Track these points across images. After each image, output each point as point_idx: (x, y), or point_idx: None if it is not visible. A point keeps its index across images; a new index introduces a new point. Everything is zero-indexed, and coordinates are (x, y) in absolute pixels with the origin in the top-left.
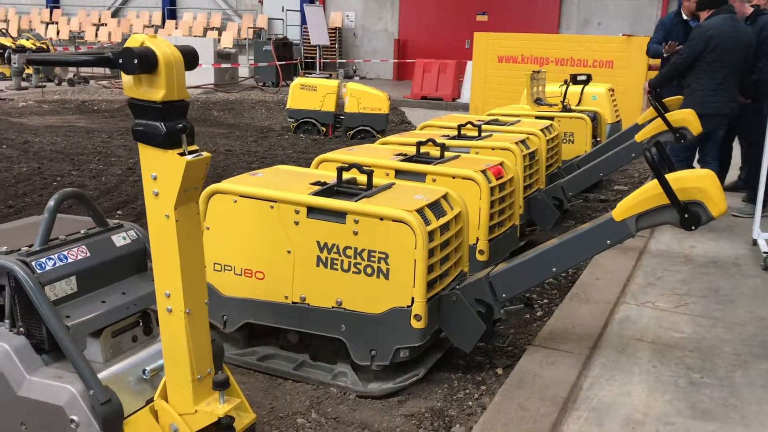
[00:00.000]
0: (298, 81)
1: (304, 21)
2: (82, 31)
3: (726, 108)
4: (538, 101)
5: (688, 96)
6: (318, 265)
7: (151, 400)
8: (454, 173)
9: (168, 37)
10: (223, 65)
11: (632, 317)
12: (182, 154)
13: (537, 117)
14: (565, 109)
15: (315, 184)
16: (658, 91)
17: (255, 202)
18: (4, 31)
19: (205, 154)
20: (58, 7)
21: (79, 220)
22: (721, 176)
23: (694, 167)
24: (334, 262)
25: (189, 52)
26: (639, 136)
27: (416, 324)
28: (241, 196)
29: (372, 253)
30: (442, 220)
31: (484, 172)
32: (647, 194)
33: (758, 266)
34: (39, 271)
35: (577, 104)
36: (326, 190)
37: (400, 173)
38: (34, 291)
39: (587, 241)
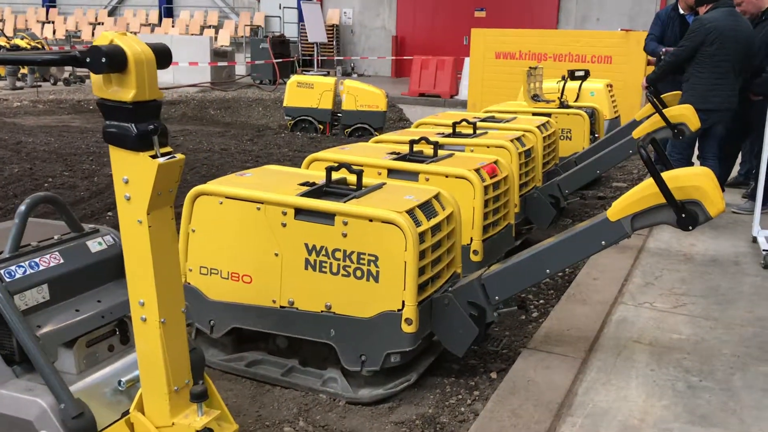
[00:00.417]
0: (294, 79)
1: (301, 18)
2: (79, 30)
3: (726, 103)
4: (535, 98)
5: (687, 91)
6: (306, 268)
7: (127, 413)
8: (447, 172)
9: (164, 35)
10: (220, 63)
11: (630, 318)
12: (154, 157)
13: (534, 114)
14: (563, 105)
15: (303, 184)
16: (656, 86)
17: (241, 204)
18: None
19: (178, 156)
20: (54, 6)
21: (52, 225)
22: (727, 173)
23: (693, 164)
24: (323, 264)
25: (161, 50)
26: (636, 133)
27: (407, 328)
28: (227, 197)
29: (361, 256)
30: (434, 221)
31: (477, 170)
32: (643, 193)
33: (758, 264)
34: (8, 280)
35: (575, 100)
36: (315, 191)
37: (392, 172)
38: (2, 300)
39: (581, 242)
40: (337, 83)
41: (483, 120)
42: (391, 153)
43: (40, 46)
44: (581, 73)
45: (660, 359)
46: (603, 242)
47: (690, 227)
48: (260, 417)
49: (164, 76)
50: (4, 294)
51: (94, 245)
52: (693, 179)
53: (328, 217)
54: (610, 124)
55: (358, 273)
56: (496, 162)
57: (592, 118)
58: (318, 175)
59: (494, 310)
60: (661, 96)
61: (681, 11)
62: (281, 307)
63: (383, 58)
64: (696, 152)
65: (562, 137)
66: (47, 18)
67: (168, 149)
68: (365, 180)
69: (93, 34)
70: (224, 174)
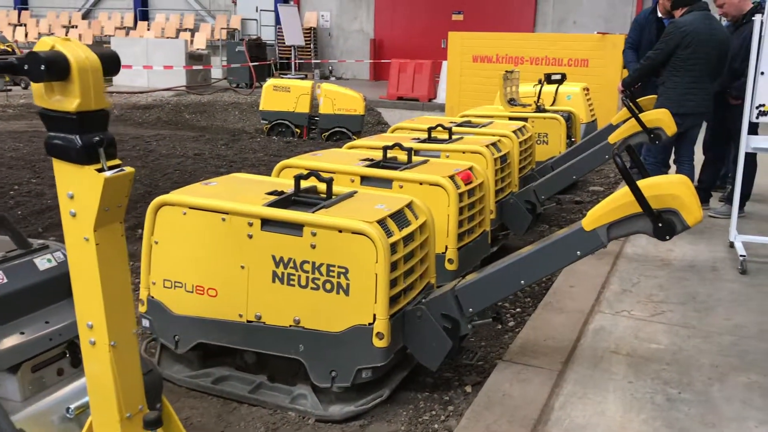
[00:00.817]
0: (270, 82)
1: (278, 21)
2: (52, 33)
3: (701, 107)
4: (511, 102)
5: (663, 95)
6: (274, 281)
7: None
8: (421, 179)
9: (139, 38)
10: (195, 67)
11: (607, 327)
12: (101, 170)
13: (510, 118)
14: (539, 109)
15: (271, 193)
16: (632, 90)
17: (206, 215)
18: None
19: (127, 169)
20: (26, 9)
21: None
22: (714, 179)
23: (670, 167)
24: (291, 277)
25: (108, 56)
26: (612, 138)
27: (378, 343)
28: (190, 207)
29: (331, 268)
30: (406, 231)
31: (452, 177)
32: (618, 202)
33: (736, 270)
34: None
35: (552, 104)
36: (282, 201)
37: (365, 180)
38: None
39: (556, 252)
40: (314, 86)
41: (459, 125)
42: (365, 159)
43: (10, 50)
44: (558, 77)
45: (638, 371)
46: (578, 252)
47: (667, 237)
48: None
49: (139, 80)
50: None
51: (43, 262)
52: (670, 187)
53: (295, 227)
54: (586, 128)
55: (328, 286)
56: (471, 168)
57: (569, 122)
58: (287, 184)
59: (468, 323)
60: (637, 100)
61: (659, 14)
62: (248, 321)
63: (361, 61)
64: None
65: (538, 142)
66: (19, 21)
67: (116, 162)
68: (336, 188)
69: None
70: (198, 180)
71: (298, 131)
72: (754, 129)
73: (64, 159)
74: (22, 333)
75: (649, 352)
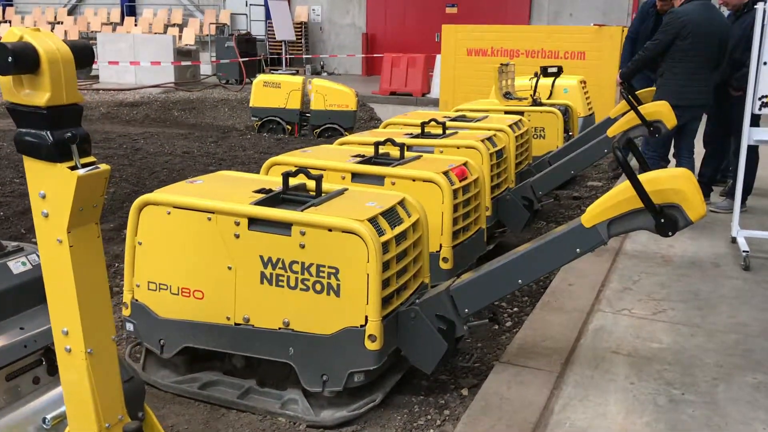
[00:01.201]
0: (261, 78)
1: (268, 16)
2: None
3: (701, 99)
4: (507, 95)
5: (662, 87)
6: (262, 282)
7: None
8: (414, 176)
9: (126, 34)
10: (184, 63)
11: (607, 327)
12: (74, 168)
13: (506, 112)
14: (536, 103)
15: (258, 192)
16: (630, 82)
17: (191, 214)
18: None
19: (102, 167)
20: (11, 5)
21: None
22: (715, 172)
23: (670, 161)
24: (280, 278)
25: (81, 47)
26: (611, 131)
27: (371, 345)
28: (175, 207)
29: (321, 268)
30: (398, 229)
31: (446, 173)
32: (619, 198)
33: (738, 266)
34: None
35: (548, 98)
36: (270, 199)
37: (356, 176)
38: None
39: (555, 250)
40: (305, 82)
41: (453, 119)
42: (356, 156)
43: None
44: (554, 70)
45: (640, 371)
46: (578, 250)
47: (669, 233)
48: None
49: (126, 77)
50: None
51: (17, 265)
52: (672, 182)
53: (284, 227)
54: (584, 122)
55: (318, 287)
56: (465, 164)
57: (566, 115)
58: (275, 182)
59: (464, 324)
60: (636, 92)
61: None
62: (236, 324)
63: (353, 55)
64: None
65: (535, 136)
66: (3, 17)
67: (90, 159)
68: (326, 186)
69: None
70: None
71: (289, 128)
72: (755, 121)
73: (34, 156)
74: None
75: (651, 352)
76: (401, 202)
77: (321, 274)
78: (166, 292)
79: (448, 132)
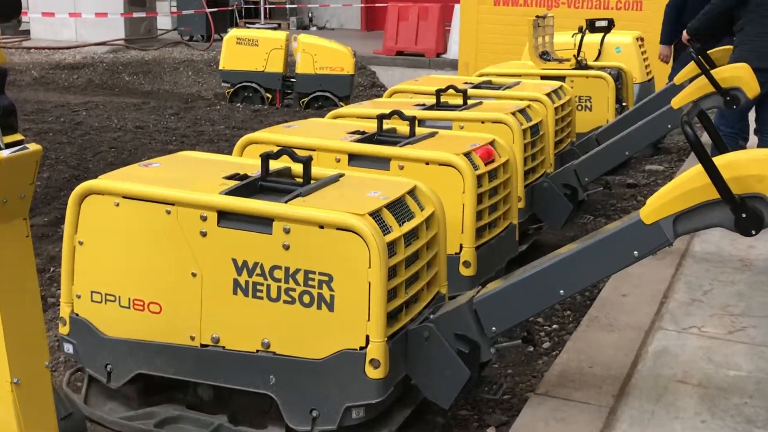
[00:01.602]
0: (233, 33)
1: None
2: None
3: None
4: (544, 56)
5: (741, 45)
6: (235, 293)
7: None
8: (428, 158)
9: None
10: (137, 14)
11: (672, 349)
12: None
13: (543, 77)
14: (580, 65)
15: (231, 177)
16: (701, 39)
17: (145, 206)
18: None
19: (32, 146)
20: None
21: None
22: None
23: (748, 140)
24: (258, 287)
25: None
26: (676, 101)
27: (373, 373)
28: (125, 197)
29: (310, 275)
30: (408, 226)
31: (468, 155)
32: (688, 187)
33: None
34: None
35: (596, 59)
36: (246, 187)
37: (354, 158)
38: None
39: (606, 253)
40: (289, 39)
41: (476, 86)
42: (354, 132)
43: None
44: (603, 24)
45: (713, 405)
46: (636, 253)
47: (753, 231)
48: None
49: (64, 32)
50: None
51: None
52: (755, 166)
53: (263, 222)
54: (641, 90)
55: (306, 299)
56: (492, 142)
57: (619, 81)
58: (252, 165)
59: (491, 345)
60: (709, 52)
61: None
62: (202, 345)
63: (349, 5)
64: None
65: (579, 107)
66: None
67: (17, 137)
68: (316, 170)
69: None
70: (139, 160)
71: (269, 97)
72: None
73: None
74: None
75: (728, 382)
76: (412, 192)
77: (310, 282)
78: (114, 304)
79: (469, 102)
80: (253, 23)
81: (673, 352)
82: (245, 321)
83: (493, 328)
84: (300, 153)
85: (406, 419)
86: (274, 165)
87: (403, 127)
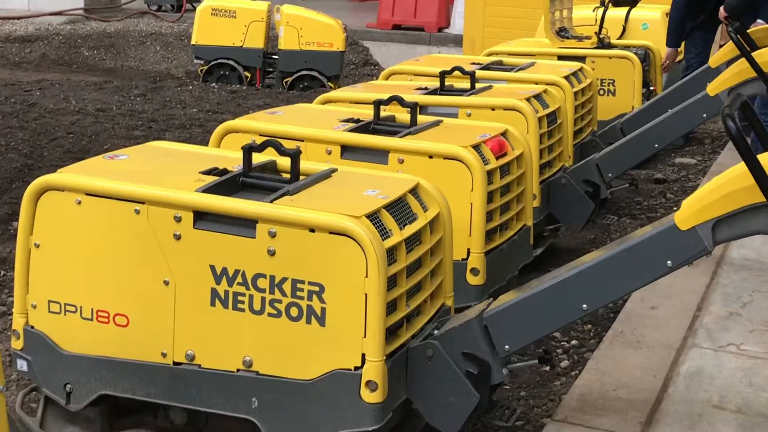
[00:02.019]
0: (207, 3)
1: None
2: None
3: None
4: (561, 33)
5: None
6: (213, 304)
7: None
8: (431, 150)
9: None
10: None
11: (707, 370)
12: None
13: (560, 57)
14: (603, 44)
15: (209, 172)
16: (741, 17)
17: (111, 204)
18: None
19: None
20: None
21: None
22: None
23: None
24: (239, 298)
25: None
26: (713, 88)
27: (369, 396)
28: (88, 194)
29: (298, 285)
30: (410, 230)
31: (477, 147)
32: (730, 188)
33: None
34: None
35: (620, 36)
36: (225, 183)
37: (348, 150)
38: None
39: (636, 262)
40: (271, 10)
41: (485, 67)
42: (347, 120)
43: None
44: None
45: None
46: (669, 262)
47: None
48: None
49: (15, 1)
50: None
51: None
52: None
53: (246, 224)
54: (670, 72)
55: (294, 312)
56: (504, 133)
57: (646, 63)
58: (232, 158)
59: (503, 366)
60: (749, 31)
61: None
62: (175, 363)
63: None
64: None
65: (602, 92)
66: None
67: None
68: (306, 165)
69: None
70: (100, 149)
71: (249, 75)
72: None
73: None
74: None
75: None
76: (414, 190)
77: (298, 293)
78: (74, 315)
79: (478, 86)
80: None
81: (709, 374)
82: (224, 336)
83: (506, 347)
84: (286, 144)
85: None
86: (257, 158)
87: (403, 115)
